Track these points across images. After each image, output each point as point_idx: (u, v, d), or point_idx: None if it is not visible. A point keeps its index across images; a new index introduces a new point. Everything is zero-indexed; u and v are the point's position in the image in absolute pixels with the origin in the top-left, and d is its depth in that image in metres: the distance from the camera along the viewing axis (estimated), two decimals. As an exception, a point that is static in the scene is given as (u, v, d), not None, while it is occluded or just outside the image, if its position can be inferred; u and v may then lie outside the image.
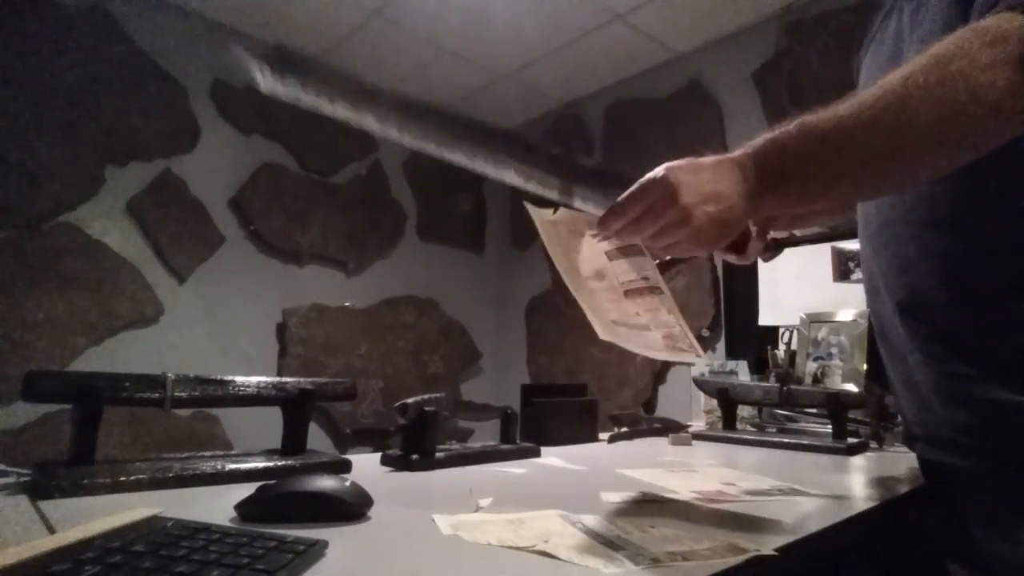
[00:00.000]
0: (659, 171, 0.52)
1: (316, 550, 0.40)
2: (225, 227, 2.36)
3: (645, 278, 0.60)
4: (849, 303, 1.39)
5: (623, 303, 0.64)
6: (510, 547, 0.45)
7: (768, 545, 0.45)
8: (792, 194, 0.53)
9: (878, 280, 0.68)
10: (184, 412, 2.12)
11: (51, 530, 0.46)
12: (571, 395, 1.27)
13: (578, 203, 0.60)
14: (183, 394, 0.70)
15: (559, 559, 0.42)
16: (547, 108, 3.06)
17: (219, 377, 0.74)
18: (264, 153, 2.49)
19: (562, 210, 0.64)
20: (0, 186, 1.89)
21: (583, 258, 0.66)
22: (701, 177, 0.51)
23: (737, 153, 0.54)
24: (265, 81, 0.47)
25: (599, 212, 0.57)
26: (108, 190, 2.09)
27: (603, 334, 0.74)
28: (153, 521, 0.43)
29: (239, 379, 0.75)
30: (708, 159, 0.54)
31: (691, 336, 0.60)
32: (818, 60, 2.07)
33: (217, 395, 0.73)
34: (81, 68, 2.05)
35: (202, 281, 2.28)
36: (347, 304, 2.67)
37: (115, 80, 2.12)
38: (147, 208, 2.16)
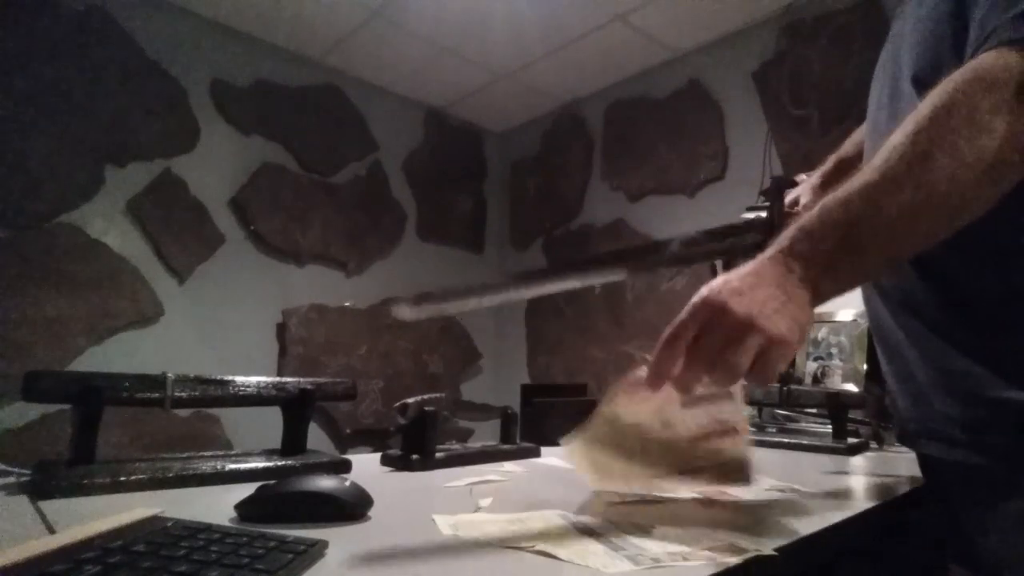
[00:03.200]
0: (699, 295, 0.48)
1: (316, 550, 0.40)
2: (225, 227, 2.36)
3: (721, 421, 0.57)
4: (849, 303, 1.39)
5: (683, 449, 0.60)
6: (510, 547, 0.45)
7: (768, 545, 0.45)
8: (844, 274, 0.50)
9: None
10: (184, 412, 2.12)
11: (51, 530, 0.46)
12: (571, 395, 1.27)
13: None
14: (183, 394, 0.69)
15: (559, 559, 0.42)
16: (547, 108, 3.06)
17: (219, 377, 0.74)
18: (264, 153, 2.49)
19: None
20: (0, 186, 1.89)
21: (646, 413, 0.59)
22: (745, 283, 0.47)
23: (768, 253, 0.50)
24: (410, 312, 0.62)
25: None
26: (108, 190, 2.09)
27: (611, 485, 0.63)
28: (153, 521, 0.43)
29: (239, 379, 0.75)
30: (742, 269, 0.50)
31: (751, 468, 0.57)
32: (818, 60, 2.07)
33: (217, 395, 0.73)
34: (81, 68, 2.05)
35: (202, 281, 2.28)
36: (347, 304, 2.67)
37: (115, 80, 2.12)
38: (147, 208, 2.16)
